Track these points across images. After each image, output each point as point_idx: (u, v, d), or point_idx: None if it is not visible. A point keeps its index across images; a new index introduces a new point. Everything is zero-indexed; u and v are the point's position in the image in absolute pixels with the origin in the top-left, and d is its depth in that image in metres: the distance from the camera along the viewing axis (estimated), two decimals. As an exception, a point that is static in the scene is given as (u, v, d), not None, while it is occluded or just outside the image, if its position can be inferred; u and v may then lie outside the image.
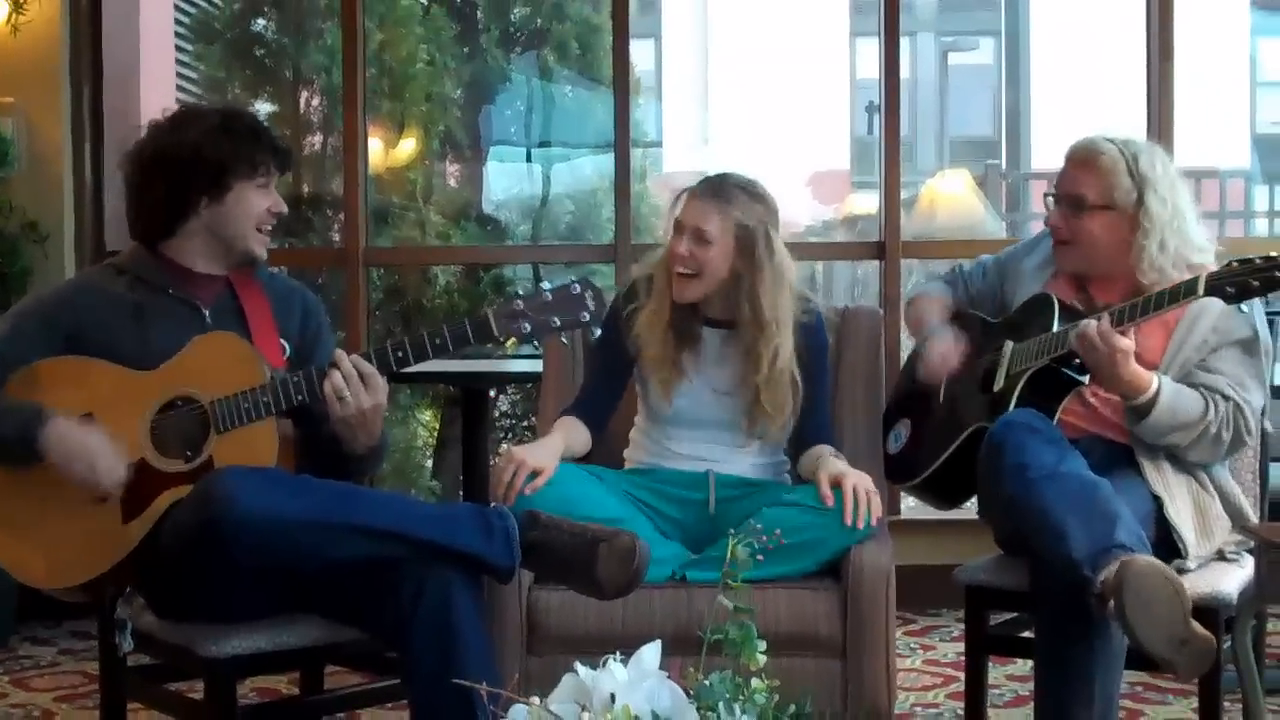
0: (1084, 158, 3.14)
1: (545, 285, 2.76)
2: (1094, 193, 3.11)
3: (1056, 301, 3.12)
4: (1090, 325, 2.91)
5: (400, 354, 2.75)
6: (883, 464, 3.42)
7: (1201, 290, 2.86)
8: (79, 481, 2.72)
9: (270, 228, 2.94)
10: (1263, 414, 3.18)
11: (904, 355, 3.73)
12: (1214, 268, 3.00)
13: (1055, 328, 3.07)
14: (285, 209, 2.96)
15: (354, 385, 2.73)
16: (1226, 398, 3.01)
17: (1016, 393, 3.09)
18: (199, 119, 2.91)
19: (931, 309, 3.42)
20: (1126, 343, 2.91)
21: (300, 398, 2.75)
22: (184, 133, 2.88)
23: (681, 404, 3.27)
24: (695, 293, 3.21)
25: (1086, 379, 3.07)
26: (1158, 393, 2.96)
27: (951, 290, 3.46)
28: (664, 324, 3.24)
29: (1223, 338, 3.06)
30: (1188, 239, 3.11)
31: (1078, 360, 3.04)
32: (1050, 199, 3.21)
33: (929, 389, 3.36)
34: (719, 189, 3.20)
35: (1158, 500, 2.99)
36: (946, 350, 3.30)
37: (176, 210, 2.88)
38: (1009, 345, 3.18)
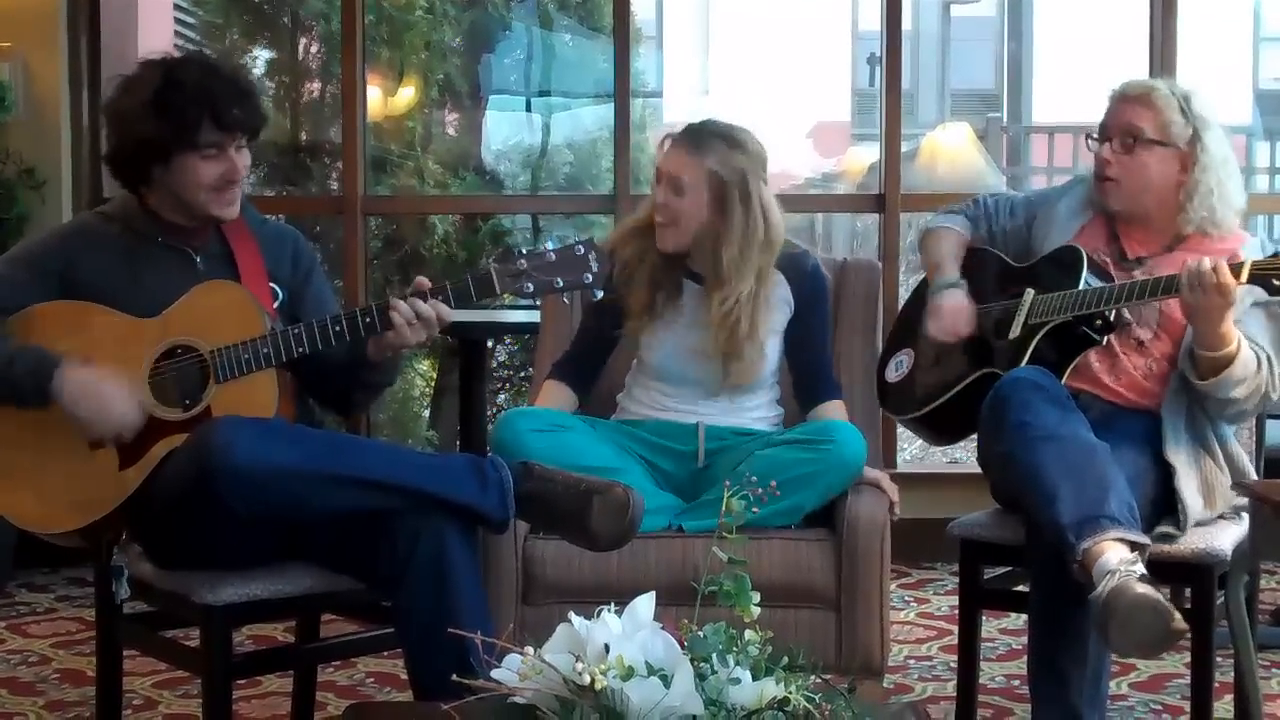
0: (1138, 93, 3.12)
1: (549, 244, 2.74)
2: (1150, 126, 3.08)
3: (1086, 256, 3.08)
4: (1205, 263, 2.83)
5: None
6: (878, 398, 3.40)
7: (1245, 277, 2.81)
8: (93, 427, 2.71)
9: (235, 189, 2.82)
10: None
11: (904, 298, 3.67)
12: (1243, 234, 3.07)
13: (1082, 283, 3.04)
14: (242, 171, 2.81)
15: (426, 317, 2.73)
16: (1265, 352, 2.99)
17: (1034, 344, 3.06)
18: (141, 86, 2.79)
19: (947, 248, 3.32)
20: (1239, 289, 2.84)
21: (301, 349, 2.74)
22: (128, 99, 2.80)
23: (661, 357, 3.26)
24: (671, 242, 3.19)
25: (1105, 339, 3.05)
26: (1240, 344, 2.92)
27: (973, 227, 3.36)
28: (646, 272, 3.23)
29: (1255, 297, 3.02)
30: (1234, 190, 3.10)
31: (1100, 321, 3.02)
32: (1091, 140, 3.17)
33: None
34: (697, 137, 3.18)
35: (1163, 467, 2.96)
36: (958, 312, 3.22)
37: (135, 172, 2.84)
38: (1029, 293, 3.13)
